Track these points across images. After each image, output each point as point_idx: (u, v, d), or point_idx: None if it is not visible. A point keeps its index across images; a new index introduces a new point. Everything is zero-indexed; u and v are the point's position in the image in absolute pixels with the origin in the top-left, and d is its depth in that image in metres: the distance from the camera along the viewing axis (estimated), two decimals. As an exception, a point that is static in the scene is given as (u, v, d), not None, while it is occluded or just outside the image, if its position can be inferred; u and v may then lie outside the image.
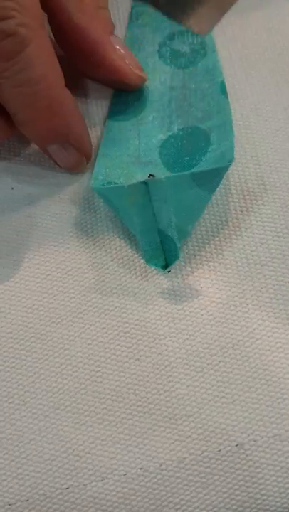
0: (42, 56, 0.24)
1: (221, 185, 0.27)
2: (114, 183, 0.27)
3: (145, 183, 0.24)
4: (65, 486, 0.24)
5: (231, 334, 0.25)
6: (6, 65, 0.24)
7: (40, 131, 0.27)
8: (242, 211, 0.27)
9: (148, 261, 0.26)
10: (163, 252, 0.26)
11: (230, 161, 0.25)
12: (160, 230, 0.25)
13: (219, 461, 0.24)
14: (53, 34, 0.28)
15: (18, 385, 0.25)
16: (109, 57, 0.28)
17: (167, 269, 0.26)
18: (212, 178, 0.25)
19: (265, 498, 0.23)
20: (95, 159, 0.29)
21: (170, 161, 0.27)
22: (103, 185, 0.27)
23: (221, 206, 0.27)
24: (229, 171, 0.28)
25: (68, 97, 0.26)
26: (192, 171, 0.25)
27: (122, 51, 0.28)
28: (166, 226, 0.25)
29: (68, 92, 0.26)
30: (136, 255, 0.27)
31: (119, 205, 0.26)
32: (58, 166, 0.28)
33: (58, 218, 0.28)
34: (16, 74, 0.24)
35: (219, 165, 0.25)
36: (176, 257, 0.25)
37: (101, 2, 0.28)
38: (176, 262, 0.26)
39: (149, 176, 0.25)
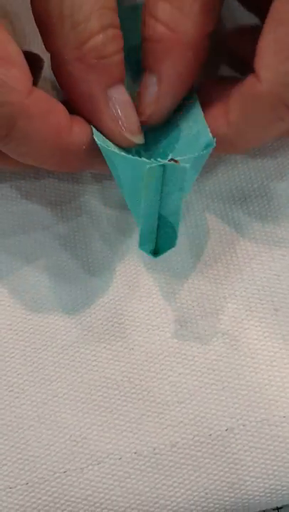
0: (37, 123, 0.23)
1: (210, 182, 0.29)
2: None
3: (164, 165, 0.23)
4: (63, 470, 0.25)
5: (221, 324, 0.26)
6: (4, 141, 0.23)
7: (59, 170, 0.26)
8: (230, 207, 0.28)
9: (141, 245, 0.25)
10: (156, 238, 0.25)
11: (209, 145, 0.24)
12: (161, 216, 0.25)
13: (210, 445, 0.25)
14: (52, 71, 0.25)
15: (18, 374, 0.26)
16: (99, 116, 0.25)
17: (158, 256, 0.25)
18: (200, 163, 0.25)
19: (253, 480, 0.24)
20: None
21: (148, 146, 0.26)
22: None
23: (210, 202, 0.28)
24: (218, 171, 0.29)
25: (77, 136, 0.24)
26: (196, 155, 0.24)
27: (117, 110, 0.25)
28: (171, 213, 0.24)
29: (75, 129, 0.24)
30: (130, 249, 0.28)
31: (129, 179, 0.24)
32: None
33: (55, 215, 0.29)
34: (17, 148, 0.23)
35: (200, 151, 0.24)
36: (173, 244, 0.25)
37: (107, 49, 0.23)
38: (167, 257, 0.27)
39: (169, 160, 0.23)
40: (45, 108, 0.23)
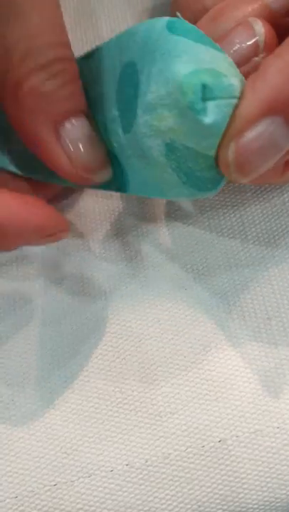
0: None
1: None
2: None
3: None
4: (53, 483, 0.24)
5: (214, 334, 0.26)
6: None
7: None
8: (224, 216, 0.28)
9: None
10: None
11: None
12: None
13: (203, 457, 0.24)
14: None
15: (8, 385, 0.26)
16: (49, 156, 0.23)
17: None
18: None
19: (247, 492, 0.24)
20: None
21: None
22: None
23: (203, 210, 0.28)
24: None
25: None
26: None
27: (69, 147, 0.23)
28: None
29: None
30: (122, 257, 0.28)
31: None
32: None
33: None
34: None
35: None
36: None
37: (49, 84, 0.22)
38: (160, 266, 0.27)
39: None
40: None
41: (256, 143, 0.21)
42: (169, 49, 0.22)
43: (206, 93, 0.21)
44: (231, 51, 0.22)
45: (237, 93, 0.21)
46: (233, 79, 0.21)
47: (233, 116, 0.21)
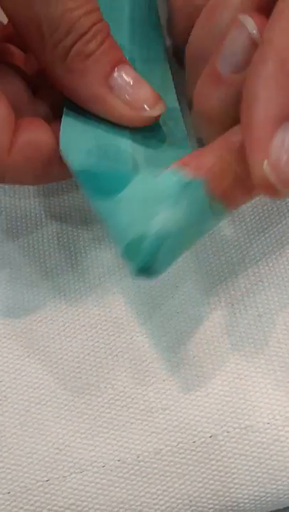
0: (24, 168, 0.25)
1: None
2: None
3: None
4: (45, 479, 0.24)
5: (205, 330, 0.26)
6: None
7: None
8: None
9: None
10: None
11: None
12: None
13: (194, 452, 0.25)
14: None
15: (0, 381, 0.26)
16: (111, 111, 0.25)
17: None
18: None
19: (237, 486, 0.24)
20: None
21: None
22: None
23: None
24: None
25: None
26: None
27: (124, 95, 0.25)
28: None
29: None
30: (113, 255, 0.28)
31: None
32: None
33: (34, 213, 0.29)
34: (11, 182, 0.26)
35: None
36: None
37: (90, 47, 0.24)
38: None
39: None
40: (29, 151, 0.24)
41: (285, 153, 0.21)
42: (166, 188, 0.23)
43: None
44: (233, 58, 0.23)
45: None
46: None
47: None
